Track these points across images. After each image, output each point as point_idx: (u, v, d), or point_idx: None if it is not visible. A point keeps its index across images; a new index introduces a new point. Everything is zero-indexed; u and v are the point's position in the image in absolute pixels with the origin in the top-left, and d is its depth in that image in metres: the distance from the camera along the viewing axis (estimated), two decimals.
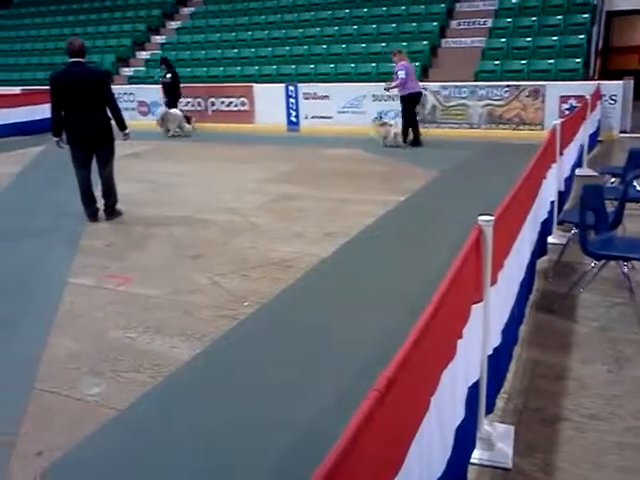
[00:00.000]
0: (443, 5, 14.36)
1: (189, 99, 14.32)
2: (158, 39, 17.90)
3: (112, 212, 6.64)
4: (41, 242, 6.03)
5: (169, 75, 12.98)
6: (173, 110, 12.89)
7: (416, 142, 10.79)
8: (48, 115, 11.59)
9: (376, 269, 4.95)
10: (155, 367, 3.50)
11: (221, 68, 15.17)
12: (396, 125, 10.87)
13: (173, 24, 18.35)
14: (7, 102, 13.56)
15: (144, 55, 17.30)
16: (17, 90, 15.55)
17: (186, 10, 18.80)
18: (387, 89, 10.96)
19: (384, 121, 11.31)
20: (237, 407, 3.11)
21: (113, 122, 6.45)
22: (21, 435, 2.93)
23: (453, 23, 14.21)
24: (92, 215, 6.54)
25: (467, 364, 2.19)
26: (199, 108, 14.26)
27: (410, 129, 10.77)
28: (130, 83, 15.76)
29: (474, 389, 2.37)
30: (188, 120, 13.19)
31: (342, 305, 4.31)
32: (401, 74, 10.41)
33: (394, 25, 14.31)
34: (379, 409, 1.26)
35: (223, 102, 13.99)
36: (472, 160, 9.58)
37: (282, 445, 2.77)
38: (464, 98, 11.92)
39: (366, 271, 4.94)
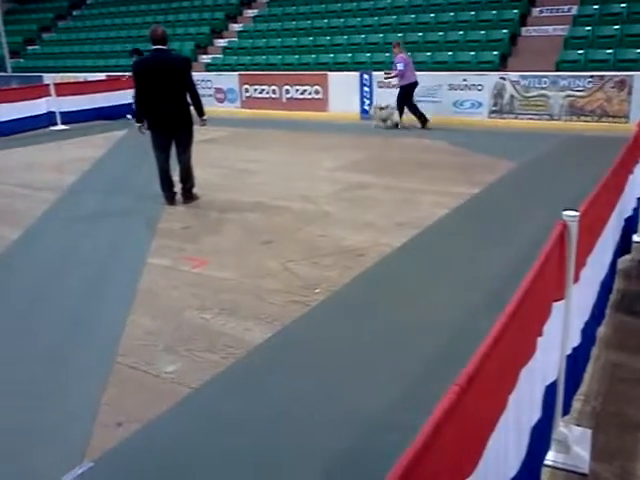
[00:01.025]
0: None
1: (264, 87, 14.48)
2: (235, 27, 18.18)
3: (189, 196, 6.83)
4: (122, 223, 6.29)
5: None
6: None
7: (424, 124, 11.52)
8: (130, 101, 12.25)
9: (449, 262, 4.88)
10: (228, 348, 3.59)
11: (296, 56, 15.25)
12: (394, 108, 11.72)
13: (250, 12, 18.59)
14: (93, 88, 14.14)
15: (222, 43, 17.62)
16: (102, 76, 16.18)
17: None
18: (387, 78, 11.95)
19: (383, 105, 11.97)
20: (307, 392, 3.15)
21: (192, 108, 6.62)
22: (102, 405, 3.08)
23: (535, 10, 13.73)
24: (170, 198, 6.75)
25: (545, 363, 2.14)
26: (273, 96, 14.40)
27: (410, 113, 11.61)
28: (207, 70, 16.10)
29: (551, 389, 2.31)
30: None
31: (413, 296, 4.28)
32: (400, 66, 11.26)
33: (472, 13, 13.96)
34: (459, 404, 1.25)
35: (297, 90, 14.08)
36: (552, 153, 9.26)
37: (351, 433, 2.79)
38: (544, 88, 11.50)
39: (438, 263, 4.88)
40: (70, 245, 5.72)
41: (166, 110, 6.37)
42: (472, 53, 12.96)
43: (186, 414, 3.02)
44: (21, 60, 21.68)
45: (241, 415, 2.99)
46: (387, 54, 13.96)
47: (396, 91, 11.67)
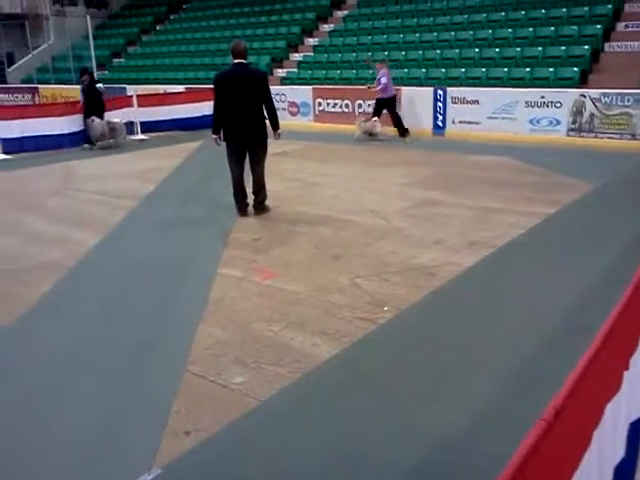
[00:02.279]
0: (610, 6, 13.43)
1: (337, 101, 14.58)
2: (311, 41, 18.44)
3: (261, 208, 6.93)
4: (196, 232, 6.44)
5: (100, 85, 12.70)
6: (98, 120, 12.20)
7: (402, 134, 12.56)
8: (206, 113, 12.61)
9: (523, 284, 4.73)
10: (295, 363, 3.59)
11: (370, 71, 15.27)
12: (378, 120, 12.48)
13: (326, 27, 18.81)
14: (172, 99, 14.65)
15: (297, 57, 17.90)
16: (181, 88, 16.73)
17: (340, 13, 19.19)
18: (370, 88, 12.67)
19: (367, 117, 12.85)
20: (373, 411, 3.11)
21: (267, 122, 6.72)
22: (172, 413, 3.14)
23: (620, 25, 13.25)
24: (242, 209, 6.87)
25: (631, 397, 2.02)
26: (346, 110, 14.46)
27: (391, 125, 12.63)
28: (282, 84, 16.37)
29: (636, 426, 2.18)
30: None
31: (486, 319, 4.16)
32: (383, 80, 12.19)
33: (552, 28, 13.61)
34: (546, 440, 1.19)
35: (370, 105, 14.04)
36: (634, 174, 8.87)
37: (421, 459, 2.73)
38: (628, 107, 11.04)
39: (511, 286, 4.74)
40: (145, 252, 5.91)
41: (243, 123, 6.50)
42: (551, 69, 12.62)
43: (253, 426, 3.04)
44: (106, 72, 22.72)
45: (308, 432, 2.97)
46: (462, 69, 13.85)
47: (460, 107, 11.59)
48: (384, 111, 12.49)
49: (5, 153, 11.78)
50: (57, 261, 5.56)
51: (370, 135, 12.43)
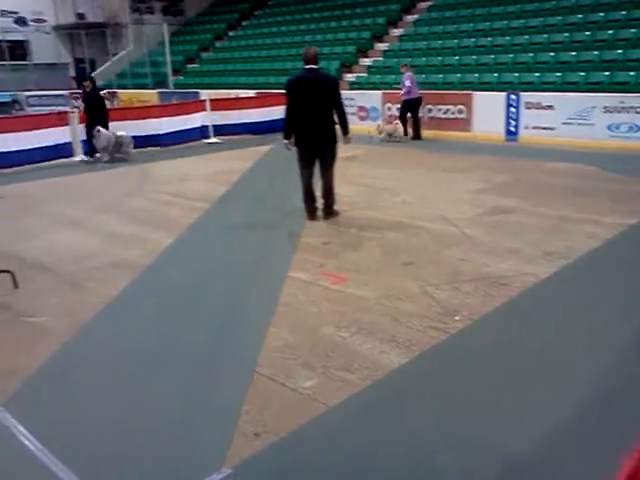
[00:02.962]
0: None
1: None
2: (381, 46, 18.38)
3: (330, 212, 6.94)
4: (266, 235, 6.53)
5: (103, 91, 12.12)
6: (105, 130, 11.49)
7: (417, 137, 13.26)
8: (276, 117, 12.78)
9: (601, 298, 4.53)
10: (364, 370, 3.57)
11: (440, 75, 15.11)
12: (399, 123, 13.20)
13: (396, 31, 18.71)
14: (243, 104, 14.92)
15: (366, 62, 17.88)
16: (252, 93, 17.03)
17: (410, 17, 19.05)
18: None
19: (389, 120, 13.66)
20: (443, 423, 3.05)
21: (337, 126, 6.74)
22: (242, 413, 3.18)
23: None
24: (312, 213, 6.91)
25: None
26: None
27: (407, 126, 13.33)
28: (351, 89, 16.38)
29: None
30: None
31: (561, 333, 4.01)
32: (407, 83, 12.90)
33: (633, 30, 13.04)
34: None
35: (440, 109, 13.91)
36: None
37: (486, 475, 2.65)
38: None
39: (589, 299, 4.55)
40: (217, 253, 6.04)
41: (314, 128, 6.54)
42: (632, 73, 12.09)
43: (322, 432, 3.03)
44: (181, 77, 23.42)
45: (376, 441, 2.94)
46: (537, 74, 13.46)
47: None
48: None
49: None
50: (134, 260, 5.75)
51: (389, 136, 12.97)
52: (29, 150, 11.10)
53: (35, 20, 27.89)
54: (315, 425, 3.07)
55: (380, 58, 17.68)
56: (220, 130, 14.01)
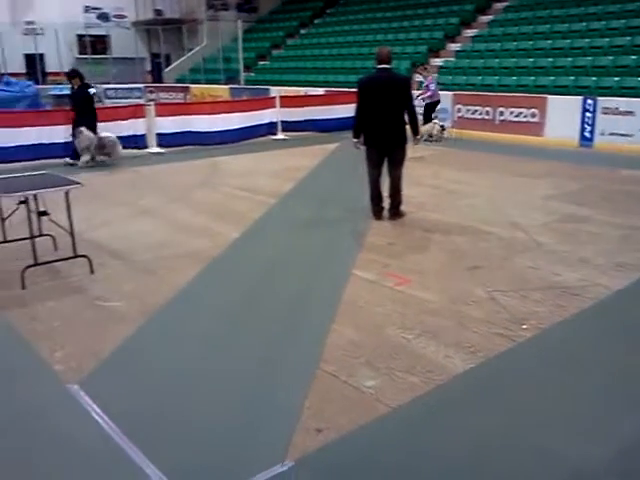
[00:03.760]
0: None
1: (477, 107, 14.21)
2: (453, 47, 18.13)
3: (396, 212, 6.91)
4: (331, 232, 6.57)
5: (92, 90, 11.05)
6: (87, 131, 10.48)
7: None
8: (343, 115, 12.80)
9: None
10: (428, 373, 3.54)
11: (514, 77, 14.75)
12: (437, 123, 13.19)
13: (470, 32, 18.40)
14: (312, 101, 15.02)
15: (437, 62, 17.66)
16: (321, 91, 17.12)
17: (484, 18, 18.70)
18: (419, 97, 12.83)
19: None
20: (506, 432, 3.00)
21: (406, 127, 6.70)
22: (305, 408, 3.21)
23: None
24: (378, 213, 6.89)
25: None
26: (486, 117, 14.05)
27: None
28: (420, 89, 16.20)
29: None
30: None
31: (635, 348, 3.86)
32: (432, 86, 13.13)
33: None
34: None
35: (512, 112, 13.58)
36: None
37: None
38: None
39: None
40: (283, 248, 6.12)
41: (384, 127, 6.52)
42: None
43: (383, 433, 3.03)
44: (252, 74, 23.79)
45: (438, 445, 2.92)
46: (616, 78, 12.95)
47: None
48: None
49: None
50: (202, 251, 5.89)
51: (430, 136, 12.86)
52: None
53: (116, 16, 28.99)
54: (376, 425, 3.07)
55: (452, 58, 17.43)
56: (288, 126, 14.13)
